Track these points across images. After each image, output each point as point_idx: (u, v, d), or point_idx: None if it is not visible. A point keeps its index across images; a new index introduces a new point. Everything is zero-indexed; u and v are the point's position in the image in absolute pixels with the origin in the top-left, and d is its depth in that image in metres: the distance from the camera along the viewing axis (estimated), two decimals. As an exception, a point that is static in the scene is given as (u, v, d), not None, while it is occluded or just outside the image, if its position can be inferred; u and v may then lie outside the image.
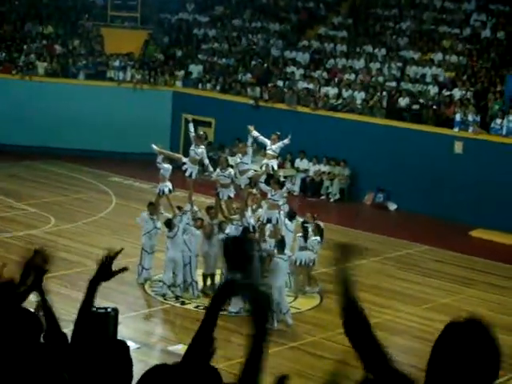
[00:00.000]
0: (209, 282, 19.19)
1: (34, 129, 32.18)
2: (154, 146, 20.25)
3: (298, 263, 19.00)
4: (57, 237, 22.20)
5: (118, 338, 12.83)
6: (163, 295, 18.54)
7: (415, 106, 28.63)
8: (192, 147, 19.49)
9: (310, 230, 19.32)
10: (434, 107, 28.46)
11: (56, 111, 32.33)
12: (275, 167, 19.56)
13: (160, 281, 18.95)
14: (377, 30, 33.40)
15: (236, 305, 17.57)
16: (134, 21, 36.63)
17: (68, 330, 5.00)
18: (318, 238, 19.13)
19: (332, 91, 30.60)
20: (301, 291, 19.20)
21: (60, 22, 36.07)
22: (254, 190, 19.29)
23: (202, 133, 20.36)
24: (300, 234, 19.18)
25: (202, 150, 19.43)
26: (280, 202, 18.67)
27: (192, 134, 19.94)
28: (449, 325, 3.46)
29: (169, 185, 19.67)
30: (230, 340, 16.42)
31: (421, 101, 28.72)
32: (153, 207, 19.45)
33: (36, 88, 32.74)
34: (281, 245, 17.47)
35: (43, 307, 5.12)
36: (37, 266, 4.99)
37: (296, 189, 29.27)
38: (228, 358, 14.92)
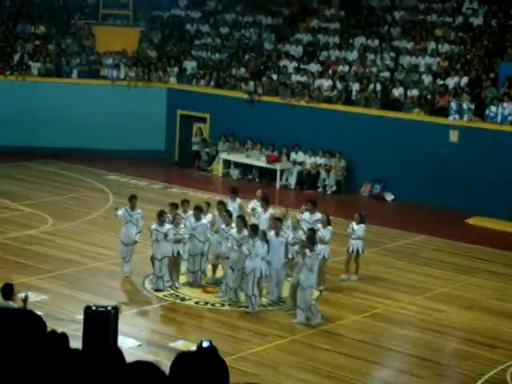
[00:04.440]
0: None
1: (29, 129, 32.10)
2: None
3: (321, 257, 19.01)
4: (54, 236, 22.20)
5: (119, 335, 12.85)
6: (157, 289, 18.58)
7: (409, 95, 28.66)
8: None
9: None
10: (429, 96, 28.47)
11: (50, 110, 32.26)
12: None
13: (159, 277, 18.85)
14: (369, 21, 33.38)
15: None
16: (126, 18, 36.60)
17: (68, 329, 5.00)
18: (363, 225, 19.83)
19: (326, 83, 30.59)
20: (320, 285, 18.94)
21: (52, 21, 36.00)
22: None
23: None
24: (321, 226, 18.96)
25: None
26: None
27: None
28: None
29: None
30: (235, 336, 16.45)
31: (415, 91, 28.73)
32: (135, 201, 19.35)
33: (30, 88, 32.66)
34: (311, 241, 17.27)
35: None
36: None
37: (292, 182, 29.48)
38: (230, 353, 14.96)
